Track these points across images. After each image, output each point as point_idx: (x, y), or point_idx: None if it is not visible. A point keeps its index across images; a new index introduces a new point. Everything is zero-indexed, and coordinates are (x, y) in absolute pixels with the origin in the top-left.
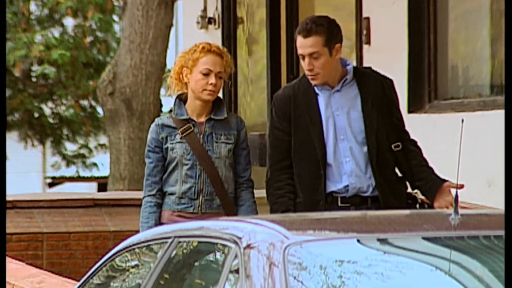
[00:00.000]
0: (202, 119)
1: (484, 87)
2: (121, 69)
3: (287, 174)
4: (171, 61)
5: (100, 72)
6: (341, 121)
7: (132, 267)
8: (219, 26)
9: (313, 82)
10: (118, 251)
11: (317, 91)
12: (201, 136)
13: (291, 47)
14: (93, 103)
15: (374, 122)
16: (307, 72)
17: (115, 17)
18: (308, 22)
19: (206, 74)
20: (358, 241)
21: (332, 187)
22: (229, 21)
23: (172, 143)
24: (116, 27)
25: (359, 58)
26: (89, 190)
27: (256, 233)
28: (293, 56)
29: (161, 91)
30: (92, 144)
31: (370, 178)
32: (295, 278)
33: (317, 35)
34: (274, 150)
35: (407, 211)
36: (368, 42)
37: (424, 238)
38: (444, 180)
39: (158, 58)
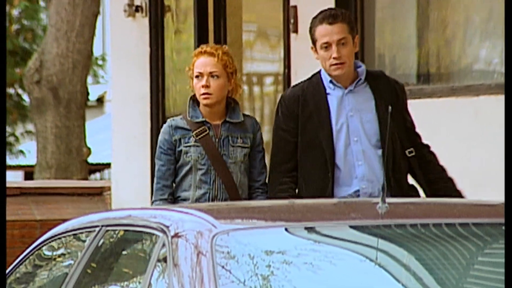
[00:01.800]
0: (217, 122)
1: (411, 76)
2: (47, 57)
3: (290, 177)
4: (98, 49)
5: (26, 60)
6: (355, 122)
7: (59, 256)
8: (146, 15)
9: (337, 72)
10: (45, 240)
11: (328, 90)
12: (217, 139)
13: (219, 36)
14: (20, 91)
15: (388, 125)
16: (332, 61)
17: (42, 5)
18: (331, 10)
19: (198, 77)
20: (286, 229)
21: (341, 191)
22: (156, 9)
23: (186, 146)
24: (43, 15)
25: (287, 46)
26: (15, 178)
27: (183, 222)
28: (220, 44)
29: (88, 80)
30: (18, 131)
31: (382, 183)
32: (223, 267)
33: (343, 21)
34: (278, 152)
35: (334, 200)
36: (296, 31)
37: (352, 227)
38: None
39: (85, 46)
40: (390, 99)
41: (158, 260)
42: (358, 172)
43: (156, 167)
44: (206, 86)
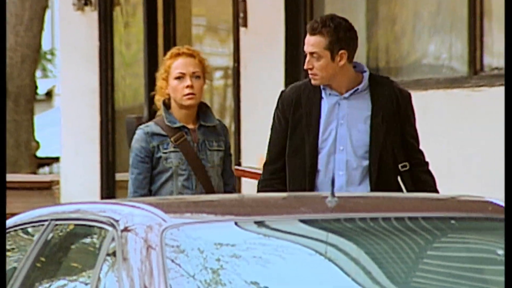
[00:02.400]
0: (193, 126)
1: None
2: None
3: (276, 179)
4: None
5: None
6: (343, 131)
7: (8, 250)
8: (95, 8)
9: (313, 82)
10: None
11: (323, 95)
12: (195, 144)
13: (168, 30)
14: None
15: (380, 137)
16: (309, 71)
17: None
18: (318, 20)
19: (180, 78)
20: (236, 224)
21: None
22: (105, 3)
23: (166, 152)
24: None
25: (236, 41)
26: None
27: (133, 216)
28: (169, 39)
29: (37, 74)
30: None
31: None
32: (172, 261)
33: (320, 35)
34: (272, 148)
35: (284, 194)
36: (245, 25)
37: (301, 221)
38: None
39: (34, 40)
40: (390, 108)
41: (108, 254)
42: (337, 182)
43: (133, 176)
44: (191, 87)
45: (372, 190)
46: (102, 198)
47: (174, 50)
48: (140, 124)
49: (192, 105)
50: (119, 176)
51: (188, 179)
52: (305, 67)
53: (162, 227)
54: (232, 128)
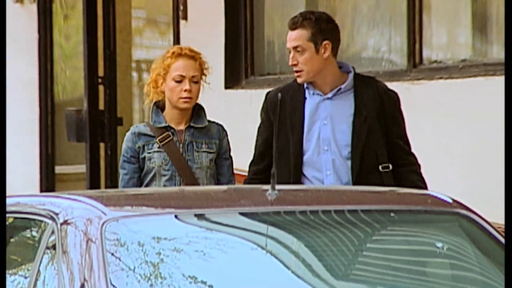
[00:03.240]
0: (182, 127)
1: None
2: None
3: (258, 179)
4: None
5: None
6: (327, 131)
7: None
8: (34, 1)
9: (298, 80)
10: None
11: (306, 95)
12: (181, 145)
13: (108, 22)
14: None
15: (362, 137)
16: (293, 68)
17: None
18: (298, 15)
19: (179, 81)
20: (176, 217)
21: None
22: None
23: (150, 152)
24: None
25: (176, 33)
26: None
27: (73, 209)
28: (109, 31)
29: None
30: None
31: None
32: (112, 254)
33: (302, 28)
34: (256, 149)
35: (224, 187)
36: (185, 18)
37: (241, 214)
38: None
39: None
40: (373, 108)
41: (47, 248)
42: (326, 182)
43: (120, 177)
44: (190, 91)
45: None
46: (41, 191)
47: (176, 49)
48: (80, 117)
49: (187, 108)
50: (58, 169)
51: (170, 179)
52: (290, 63)
53: (102, 220)
54: None
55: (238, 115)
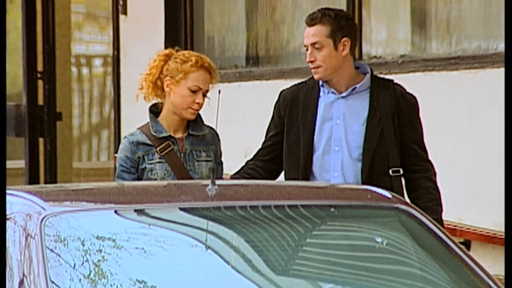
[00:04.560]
0: (180, 135)
1: (240, 58)
2: None
3: (261, 162)
4: None
5: None
6: (339, 131)
7: None
8: None
9: (315, 76)
10: None
11: (321, 93)
12: (182, 154)
13: (47, 16)
14: None
15: (375, 140)
16: (309, 65)
17: None
18: (316, 11)
19: (194, 91)
20: (116, 212)
21: None
22: None
23: (151, 163)
24: None
25: (116, 28)
26: None
27: (12, 204)
28: (48, 26)
29: None
30: None
31: None
32: (52, 250)
33: (321, 24)
34: (264, 141)
35: (164, 182)
36: (125, 12)
37: (181, 209)
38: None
39: None
40: (389, 111)
41: None
42: (332, 183)
43: None
44: (201, 105)
45: None
46: None
47: (198, 59)
48: (19, 112)
49: (191, 119)
50: None
51: None
52: (307, 60)
53: (41, 215)
54: (112, 116)
55: None
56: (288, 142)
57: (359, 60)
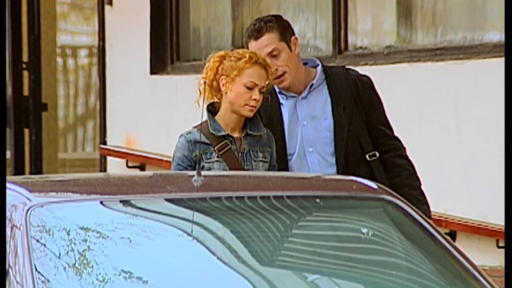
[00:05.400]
0: (238, 134)
1: (226, 49)
2: None
3: None
4: None
5: None
6: (309, 131)
7: None
8: None
9: (281, 85)
10: None
11: (281, 100)
12: (239, 154)
13: (32, 7)
14: None
15: (345, 129)
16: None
17: None
18: (256, 23)
19: (250, 88)
20: (102, 203)
21: None
22: None
23: (209, 162)
24: None
25: (101, 19)
26: None
27: None
28: (34, 17)
29: None
30: None
31: None
32: (37, 240)
33: (269, 32)
34: None
35: (150, 173)
36: (110, 3)
37: (167, 200)
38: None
39: None
40: (349, 97)
41: None
42: None
43: None
44: (258, 101)
45: None
46: None
47: (252, 55)
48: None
49: (249, 116)
50: None
51: None
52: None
53: (26, 206)
54: (98, 107)
55: (164, 101)
56: None
57: (345, 51)
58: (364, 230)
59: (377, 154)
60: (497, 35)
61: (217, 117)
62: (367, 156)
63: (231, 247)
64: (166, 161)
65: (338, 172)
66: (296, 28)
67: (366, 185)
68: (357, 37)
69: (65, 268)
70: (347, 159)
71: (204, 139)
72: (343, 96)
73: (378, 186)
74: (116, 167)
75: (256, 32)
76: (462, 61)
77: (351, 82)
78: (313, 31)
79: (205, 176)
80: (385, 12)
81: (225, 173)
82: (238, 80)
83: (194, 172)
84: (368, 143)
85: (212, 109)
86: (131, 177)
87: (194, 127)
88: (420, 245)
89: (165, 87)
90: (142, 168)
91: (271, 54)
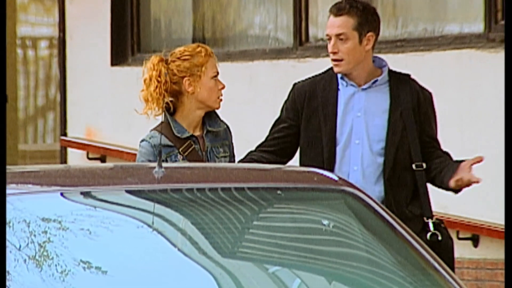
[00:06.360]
0: (199, 133)
1: (187, 40)
2: None
3: (266, 153)
4: None
5: None
6: (360, 124)
7: None
8: None
9: (335, 69)
10: None
11: (340, 86)
12: (203, 153)
13: None
14: None
15: (398, 134)
16: (330, 56)
17: None
18: (343, 2)
19: (215, 78)
20: (62, 194)
21: None
22: None
23: None
24: None
25: (62, 10)
26: None
27: None
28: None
29: None
30: None
31: (379, 194)
32: None
33: (348, 15)
34: (271, 133)
35: (111, 164)
36: None
37: (128, 192)
38: (462, 161)
39: None
40: (409, 106)
41: None
42: (351, 177)
43: None
44: (223, 88)
45: (386, 189)
46: None
47: (202, 48)
48: None
49: (218, 108)
50: None
51: None
52: (329, 50)
53: None
54: (58, 98)
55: (124, 92)
56: (308, 136)
57: (306, 42)
58: (325, 222)
59: (424, 166)
60: (457, 27)
61: (177, 117)
62: (413, 166)
63: (192, 238)
64: (127, 152)
65: (384, 174)
66: (257, 19)
67: (327, 176)
68: (318, 28)
69: (25, 260)
70: (395, 163)
71: (167, 142)
72: (403, 102)
73: (339, 178)
74: (76, 158)
75: (337, 10)
76: (422, 52)
77: (414, 92)
78: (274, 23)
79: (166, 168)
80: None
81: (186, 164)
82: (204, 76)
83: (155, 164)
84: (418, 153)
85: (169, 109)
86: (92, 169)
87: (154, 130)
88: (381, 236)
89: (126, 78)
90: (102, 159)
91: (339, 37)
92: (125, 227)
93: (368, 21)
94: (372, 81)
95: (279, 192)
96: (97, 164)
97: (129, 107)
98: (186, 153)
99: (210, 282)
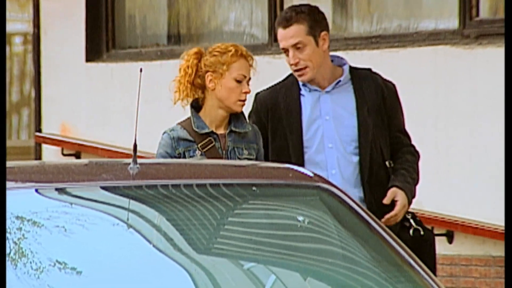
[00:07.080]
0: (222, 131)
1: (162, 37)
2: None
3: None
4: None
5: None
6: (330, 127)
7: None
8: None
9: (301, 79)
10: None
11: (303, 92)
12: (224, 151)
13: None
14: None
15: (369, 132)
16: (292, 68)
17: None
18: (287, 11)
19: (239, 81)
20: (37, 191)
21: None
22: None
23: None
24: None
25: (36, 6)
26: None
27: None
28: None
29: None
30: None
31: (359, 195)
32: None
33: (298, 23)
34: None
35: (85, 160)
36: None
37: (103, 188)
38: (395, 185)
39: None
40: (375, 101)
41: None
42: (332, 181)
43: None
44: (248, 93)
45: (364, 188)
46: None
47: (236, 48)
48: None
49: (240, 111)
50: None
51: None
52: (290, 62)
53: None
54: (33, 94)
55: (99, 88)
56: (275, 147)
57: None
58: (300, 218)
59: (393, 164)
60: (432, 23)
61: (201, 113)
62: (387, 163)
63: (167, 235)
64: (102, 149)
65: (362, 174)
66: (232, 15)
67: (302, 173)
68: None
69: None
70: (371, 162)
71: (187, 136)
72: (368, 98)
73: (314, 174)
74: (51, 155)
75: (285, 21)
76: (397, 49)
77: (378, 87)
78: (249, 19)
79: (141, 164)
80: (320, 0)
81: (161, 161)
82: (227, 75)
83: (130, 160)
84: (388, 150)
85: (196, 105)
86: (67, 165)
87: (178, 124)
88: (356, 232)
89: (101, 74)
90: (77, 156)
91: (296, 47)
92: (99, 224)
93: (317, 21)
94: (335, 82)
95: (254, 188)
96: (72, 160)
97: (104, 103)
98: (205, 149)
99: (185, 278)
